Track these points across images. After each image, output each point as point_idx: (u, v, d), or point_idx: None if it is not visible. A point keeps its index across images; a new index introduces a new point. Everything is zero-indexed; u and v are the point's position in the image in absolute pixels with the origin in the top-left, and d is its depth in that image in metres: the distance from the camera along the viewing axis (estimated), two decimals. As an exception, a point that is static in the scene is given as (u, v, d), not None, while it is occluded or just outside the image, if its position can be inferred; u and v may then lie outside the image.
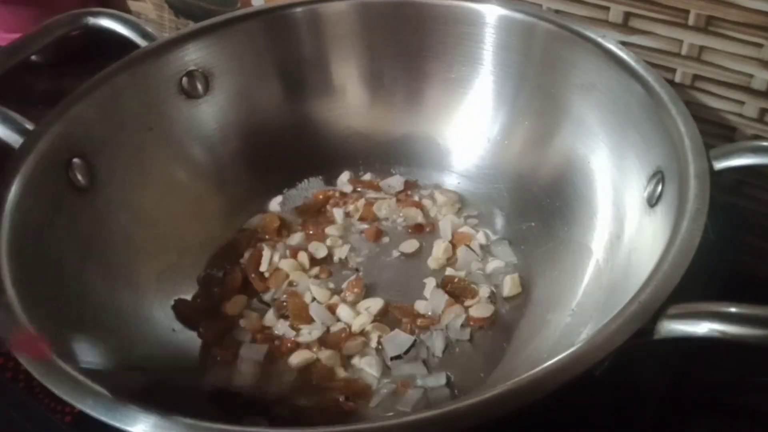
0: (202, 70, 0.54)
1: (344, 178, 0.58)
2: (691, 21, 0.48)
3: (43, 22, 0.54)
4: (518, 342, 0.46)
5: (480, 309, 0.48)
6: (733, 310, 0.32)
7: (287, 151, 0.57)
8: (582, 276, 0.46)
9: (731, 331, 0.31)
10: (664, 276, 0.34)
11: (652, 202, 0.42)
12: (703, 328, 0.32)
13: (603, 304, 0.42)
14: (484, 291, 0.49)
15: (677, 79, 0.51)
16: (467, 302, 0.48)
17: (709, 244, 0.36)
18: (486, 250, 0.52)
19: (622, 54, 0.47)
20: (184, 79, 0.53)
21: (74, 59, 0.66)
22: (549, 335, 0.45)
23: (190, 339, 0.48)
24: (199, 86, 0.54)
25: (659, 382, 0.44)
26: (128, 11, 0.79)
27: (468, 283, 0.49)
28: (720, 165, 0.39)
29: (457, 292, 0.49)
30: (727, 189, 0.53)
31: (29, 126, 0.46)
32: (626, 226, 0.44)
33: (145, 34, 0.54)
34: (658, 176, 0.42)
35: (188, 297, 0.50)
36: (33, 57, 0.52)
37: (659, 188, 0.41)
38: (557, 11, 0.53)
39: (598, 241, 0.47)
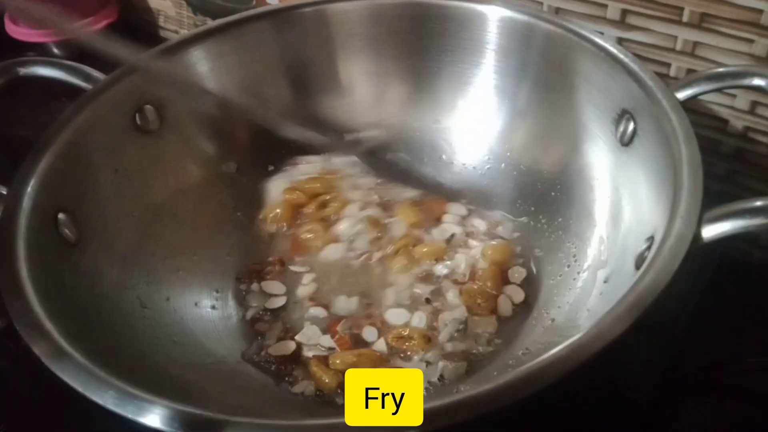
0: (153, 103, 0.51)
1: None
2: (685, 18, 0.50)
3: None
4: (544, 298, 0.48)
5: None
6: (759, 203, 0.34)
7: (293, 148, 0.57)
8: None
9: (764, 222, 0.34)
10: (689, 191, 0.36)
11: (625, 140, 0.45)
12: (739, 224, 0.34)
13: (613, 241, 0.45)
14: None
15: (672, 73, 0.52)
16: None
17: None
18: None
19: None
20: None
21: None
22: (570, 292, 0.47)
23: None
24: (151, 119, 0.51)
25: (655, 362, 0.44)
26: (148, 9, 0.80)
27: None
28: (682, 94, 0.43)
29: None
30: (719, 178, 0.54)
31: (3, 191, 0.43)
32: (606, 170, 0.47)
33: (88, 77, 0.49)
34: (626, 116, 0.45)
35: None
36: (55, 50, 0.49)
37: (631, 126, 0.44)
38: (557, 9, 0.55)
39: (599, 211, 0.48)
